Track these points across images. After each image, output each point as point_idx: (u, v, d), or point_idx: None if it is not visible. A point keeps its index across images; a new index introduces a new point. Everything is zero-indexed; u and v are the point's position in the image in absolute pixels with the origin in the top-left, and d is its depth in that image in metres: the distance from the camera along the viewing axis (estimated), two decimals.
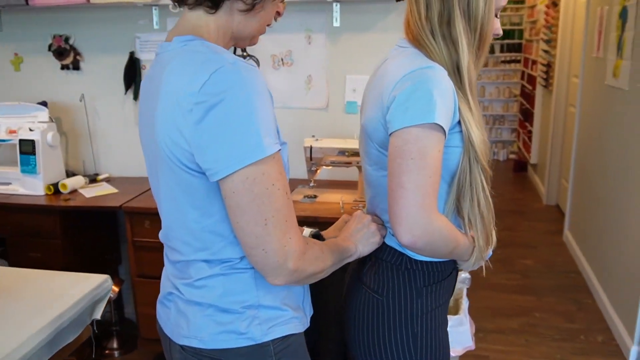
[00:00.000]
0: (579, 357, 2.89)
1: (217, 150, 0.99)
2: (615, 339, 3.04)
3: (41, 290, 1.80)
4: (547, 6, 5.66)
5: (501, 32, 1.36)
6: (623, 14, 3.25)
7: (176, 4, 1.14)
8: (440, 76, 1.21)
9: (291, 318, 1.21)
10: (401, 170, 1.18)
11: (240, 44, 1.22)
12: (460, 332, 2.27)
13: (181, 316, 1.20)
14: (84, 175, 3.09)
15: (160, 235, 1.28)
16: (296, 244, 1.06)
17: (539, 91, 6.12)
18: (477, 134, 1.26)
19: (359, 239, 1.34)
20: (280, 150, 1.05)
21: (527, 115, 6.70)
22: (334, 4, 2.72)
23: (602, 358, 2.88)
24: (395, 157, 1.20)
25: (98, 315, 1.85)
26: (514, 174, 6.83)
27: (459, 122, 1.25)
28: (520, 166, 6.89)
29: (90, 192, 2.88)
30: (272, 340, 1.16)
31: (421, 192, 1.17)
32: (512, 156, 7.56)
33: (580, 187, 4.21)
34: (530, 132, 6.38)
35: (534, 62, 6.42)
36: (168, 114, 1.03)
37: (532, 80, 6.50)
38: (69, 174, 3.11)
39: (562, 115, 5.24)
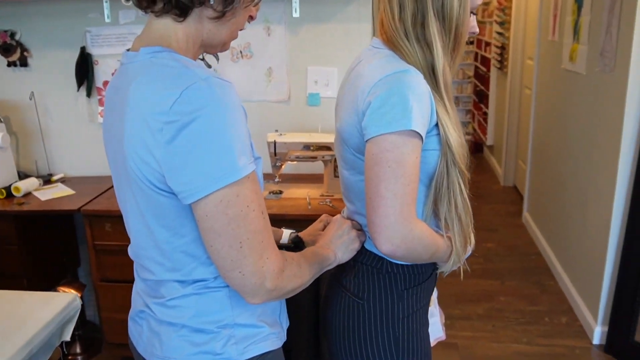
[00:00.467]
0: (544, 340, 2.95)
1: (190, 172, 0.94)
2: (579, 319, 3.11)
3: (8, 313, 1.70)
4: None
5: (477, 30, 1.34)
6: None
7: (143, 10, 1.06)
8: (416, 80, 1.19)
9: (268, 334, 1.18)
10: (379, 178, 1.16)
11: (211, 51, 1.15)
12: (431, 323, 2.27)
13: (154, 336, 1.15)
14: (38, 177, 2.96)
15: (130, 251, 1.23)
16: (273, 264, 1.02)
17: (493, 73, 6.18)
18: (455, 136, 1.24)
19: (338, 246, 1.32)
20: (254, 168, 1.00)
21: (481, 97, 6.77)
22: None
23: (567, 339, 2.95)
24: (372, 165, 1.17)
25: (67, 336, 1.77)
26: (470, 156, 6.90)
27: (436, 125, 1.23)
28: (476, 148, 6.98)
29: (46, 195, 2.77)
30: (250, 359, 1.13)
31: (399, 200, 1.15)
32: (467, 137, 7.64)
33: (539, 168, 4.27)
34: (485, 113, 6.45)
35: (488, 44, 6.48)
36: (136, 132, 0.97)
37: (486, 62, 6.56)
38: (22, 175, 2.98)
39: (517, 97, 5.30)
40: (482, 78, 6.77)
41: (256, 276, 1.00)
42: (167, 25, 1.05)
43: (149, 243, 1.10)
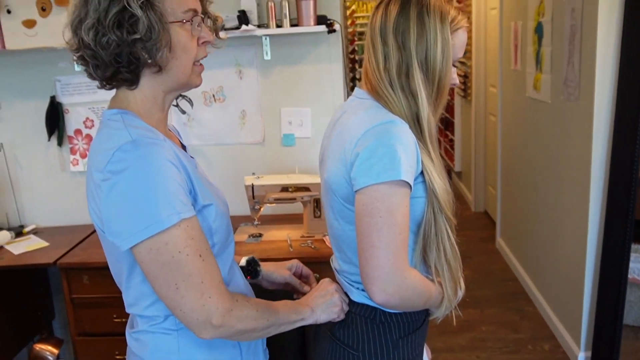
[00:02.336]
0: None
1: (120, 224, 1.05)
2: (561, 345, 3.14)
3: None
4: None
5: (457, 82, 1.37)
6: (538, 30, 3.39)
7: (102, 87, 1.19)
8: (403, 130, 1.21)
9: None
10: (371, 229, 1.17)
11: (185, 91, 1.27)
12: None
13: None
14: (9, 229, 2.89)
15: None
16: (217, 302, 1.09)
17: (457, 101, 6.30)
18: (440, 183, 1.26)
19: (319, 305, 1.34)
20: (187, 217, 1.07)
21: (447, 124, 6.88)
22: (264, 38, 2.68)
23: None
24: (363, 216, 1.19)
25: None
26: (456, 202, 6.98)
27: (422, 173, 1.25)
28: None
29: (19, 248, 2.70)
30: None
31: (392, 250, 1.17)
32: None
33: (509, 194, 4.35)
34: (452, 140, 6.56)
35: None
36: (89, 185, 1.12)
37: (449, 90, 6.68)
38: None
39: (482, 123, 5.41)
40: (446, 106, 6.88)
41: (198, 313, 1.07)
42: (125, 92, 1.18)
43: (117, 280, 1.24)
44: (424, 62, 1.24)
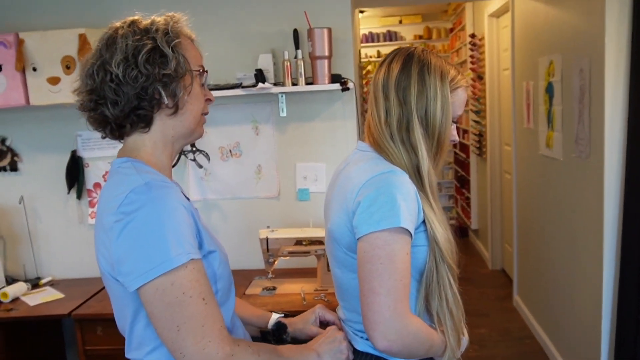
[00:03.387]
0: None
1: (129, 264, 1.08)
2: None
3: None
4: (473, 79, 5.95)
5: (457, 139, 1.42)
6: (549, 89, 3.45)
7: (117, 140, 1.27)
8: (402, 180, 1.25)
9: None
10: (372, 275, 1.19)
11: (190, 141, 1.32)
12: None
13: None
14: (25, 281, 2.94)
15: None
16: (218, 347, 1.10)
17: (473, 159, 6.34)
18: (441, 232, 1.29)
19: (326, 351, 1.34)
20: (195, 259, 1.10)
21: (463, 182, 6.91)
22: (280, 95, 2.76)
23: None
24: (364, 263, 1.21)
25: None
26: (456, 240, 6.94)
27: (424, 222, 1.28)
28: (461, 232, 7.04)
29: (35, 300, 2.74)
30: None
31: (393, 296, 1.18)
32: (452, 222, 7.72)
33: (525, 251, 4.32)
34: (468, 198, 6.56)
35: (465, 131, 6.68)
36: (98, 231, 1.17)
37: (464, 148, 6.74)
38: (9, 280, 2.96)
39: (498, 181, 5.43)
40: (462, 164, 6.93)
41: (198, 357, 1.08)
42: (135, 139, 1.24)
43: (121, 324, 1.26)
44: (424, 117, 1.30)
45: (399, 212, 1.19)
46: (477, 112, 5.90)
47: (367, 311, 1.20)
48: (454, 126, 1.38)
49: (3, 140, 3.06)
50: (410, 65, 1.31)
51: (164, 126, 1.22)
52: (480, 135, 5.79)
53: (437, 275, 1.30)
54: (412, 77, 1.30)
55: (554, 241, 3.50)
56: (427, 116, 1.30)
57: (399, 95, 1.31)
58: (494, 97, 5.36)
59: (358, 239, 1.24)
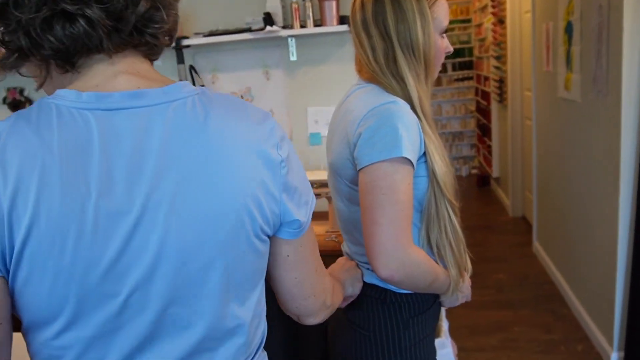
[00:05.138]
0: None
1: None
2: (595, 346, 3.08)
3: None
4: (494, 24, 5.82)
5: (452, 50, 1.40)
6: (568, 29, 3.36)
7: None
8: (404, 110, 1.24)
9: None
10: (373, 206, 1.19)
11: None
12: (443, 354, 2.27)
13: None
14: None
15: None
16: (329, 282, 1.09)
17: (494, 106, 6.25)
18: (440, 164, 1.28)
19: (345, 278, 1.35)
20: None
21: (485, 130, 6.83)
22: (289, 39, 2.74)
23: None
24: (366, 194, 1.21)
25: None
26: (477, 189, 6.92)
27: (424, 154, 1.27)
28: (483, 181, 7.00)
29: None
30: None
31: (395, 226, 1.18)
32: (474, 171, 7.68)
33: (545, 197, 4.29)
34: (489, 146, 6.50)
35: (487, 78, 6.57)
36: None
37: (486, 95, 6.64)
38: None
39: (519, 128, 5.35)
40: (483, 112, 6.84)
41: (324, 295, 1.07)
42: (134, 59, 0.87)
43: None
44: (408, 43, 1.28)
45: (401, 142, 1.18)
46: (497, 58, 5.78)
47: (370, 241, 1.20)
48: (444, 39, 1.36)
49: (21, 91, 3.10)
50: None
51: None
52: (501, 82, 5.69)
53: (436, 207, 1.30)
54: (387, 6, 1.27)
55: (572, 185, 3.47)
56: (411, 42, 1.28)
57: (379, 28, 1.29)
58: (515, 41, 5.24)
59: (359, 170, 1.23)
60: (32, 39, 0.75)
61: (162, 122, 0.77)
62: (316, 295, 1.03)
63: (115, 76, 0.80)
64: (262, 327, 0.97)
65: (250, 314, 0.89)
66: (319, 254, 1.02)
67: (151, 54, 0.86)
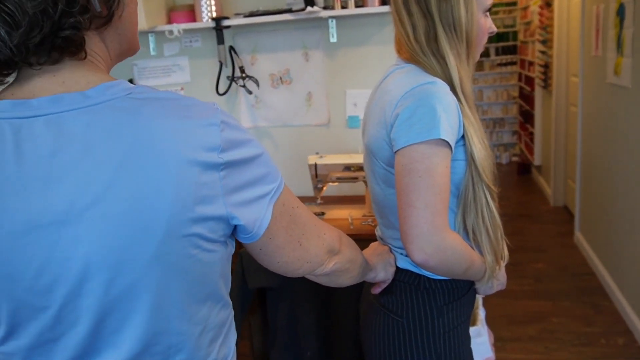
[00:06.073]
0: None
1: None
2: (637, 340, 2.99)
3: None
4: (541, 7, 5.66)
5: (495, 30, 1.36)
6: (620, 11, 3.23)
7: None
8: (443, 91, 1.20)
9: None
10: (409, 189, 1.16)
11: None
12: (479, 343, 2.22)
13: None
14: None
15: None
16: (328, 235, 1.04)
17: (538, 92, 6.10)
18: (479, 148, 1.24)
19: (378, 262, 1.33)
20: None
21: (527, 117, 6.68)
22: (330, 20, 2.70)
23: None
24: (402, 176, 1.18)
25: None
26: (518, 177, 6.79)
27: (463, 136, 1.23)
28: (524, 168, 6.86)
29: None
30: None
31: (431, 210, 1.15)
32: (514, 159, 7.53)
33: (588, 187, 4.17)
34: (531, 133, 6.36)
35: (531, 64, 6.41)
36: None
37: (530, 81, 6.48)
38: None
39: (563, 115, 5.21)
40: (527, 98, 6.68)
41: (320, 256, 1.02)
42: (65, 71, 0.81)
43: None
44: (450, 22, 1.24)
45: (439, 123, 1.15)
46: (543, 42, 5.63)
47: (405, 225, 1.17)
48: (488, 18, 1.31)
49: None
50: None
51: (100, 46, 0.82)
52: (546, 67, 5.54)
53: (473, 191, 1.26)
54: None
55: (619, 175, 3.36)
56: (453, 20, 1.24)
57: (421, 7, 1.25)
58: (563, 25, 5.09)
59: (395, 152, 1.20)
60: None
61: (83, 127, 0.72)
62: (311, 261, 0.99)
63: (36, 82, 0.76)
64: (222, 340, 0.90)
65: (199, 328, 0.84)
66: (304, 219, 0.95)
67: (77, 48, 0.77)
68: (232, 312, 0.95)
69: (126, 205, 0.72)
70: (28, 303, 0.75)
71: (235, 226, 0.82)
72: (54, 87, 0.76)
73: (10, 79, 0.79)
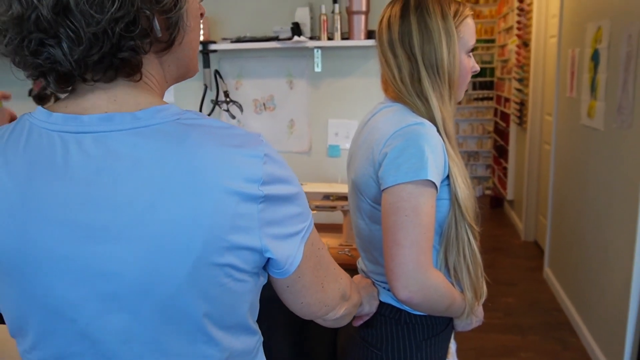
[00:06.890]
0: None
1: None
2: None
3: None
4: (518, 46, 5.80)
5: (478, 69, 1.40)
6: (595, 57, 3.34)
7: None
8: (431, 133, 1.24)
9: None
10: (396, 227, 1.19)
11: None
12: None
13: None
14: None
15: None
16: (344, 280, 1.06)
17: (512, 128, 6.22)
18: (463, 188, 1.28)
19: (364, 296, 1.34)
20: None
21: (501, 152, 6.80)
22: (315, 50, 2.75)
23: None
24: (389, 214, 1.21)
25: None
26: (490, 210, 6.89)
27: (448, 176, 1.27)
28: (496, 202, 6.96)
29: None
30: None
31: (416, 248, 1.18)
32: (487, 192, 7.64)
33: (559, 224, 4.25)
34: (505, 168, 6.47)
35: (507, 100, 6.55)
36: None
37: (505, 117, 6.61)
38: None
39: (537, 152, 5.32)
40: (501, 133, 6.81)
41: (337, 300, 1.04)
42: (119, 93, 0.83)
43: None
44: (433, 63, 1.28)
45: (427, 164, 1.18)
46: (519, 80, 5.76)
47: (390, 262, 1.20)
48: (471, 58, 1.36)
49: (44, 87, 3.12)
50: (408, 14, 1.29)
51: (157, 69, 0.84)
52: (522, 104, 5.67)
53: (456, 230, 1.30)
54: (413, 26, 1.28)
55: (588, 213, 3.44)
56: (436, 61, 1.28)
57: (405, 49, 1.29)
58: (539, 65, 5.22)
59: (383, 190, 1.23)
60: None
61: (130, 148, 0.74)
62: (329, 305, 1.00)
63: (88, 98, 0.78)
64: None
65: (225, 355, 0.85)
66: (326, 262, 0.96)
67: (133, 70, 0.79)
68: (261, 339, 0.96)
69: (163, 228, 0.73)
70: (58, 315, 0.76)
71: (269, 259, 0.83)
72: (105, 104, 0.77)
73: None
